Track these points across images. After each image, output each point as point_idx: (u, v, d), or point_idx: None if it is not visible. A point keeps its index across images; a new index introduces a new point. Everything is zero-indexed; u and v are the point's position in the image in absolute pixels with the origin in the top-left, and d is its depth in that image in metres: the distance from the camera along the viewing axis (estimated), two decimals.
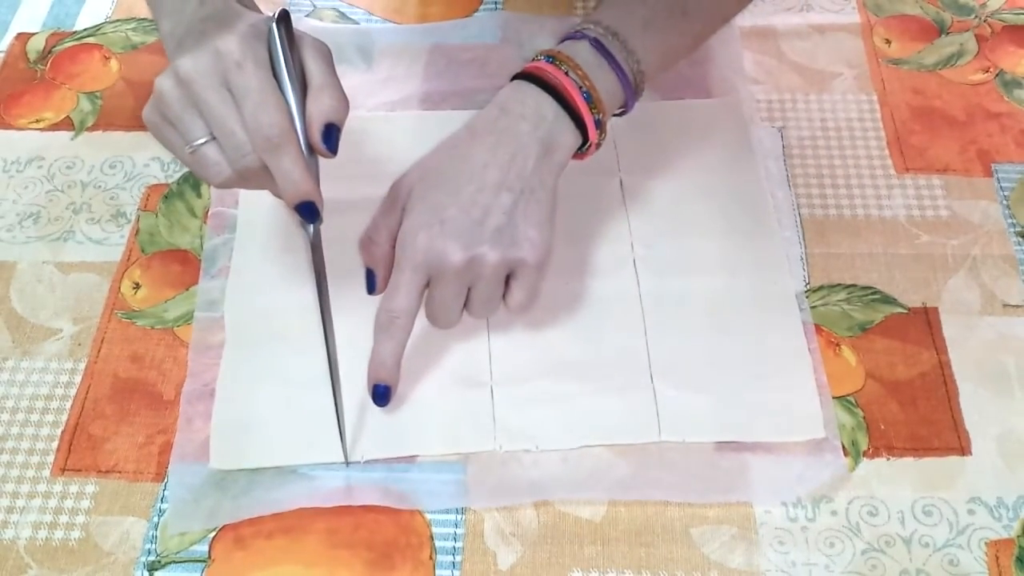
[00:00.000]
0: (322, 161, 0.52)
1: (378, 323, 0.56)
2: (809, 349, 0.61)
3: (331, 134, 0.50)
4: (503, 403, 0.59)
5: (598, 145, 0.59)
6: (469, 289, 0.55)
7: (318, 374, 0.59)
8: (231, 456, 0.58)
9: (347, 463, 0.57)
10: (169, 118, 0.49)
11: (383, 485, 0.57)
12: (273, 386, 0.60)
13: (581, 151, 0.59)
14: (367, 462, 0.57)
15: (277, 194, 0.50)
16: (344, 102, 0.51)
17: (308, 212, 0.50)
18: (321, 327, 0.54)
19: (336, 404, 0.56)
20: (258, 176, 0.49)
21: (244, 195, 0.69)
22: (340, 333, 0.55)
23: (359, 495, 0.56)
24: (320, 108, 0.49)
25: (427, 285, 0.55)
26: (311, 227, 0.52)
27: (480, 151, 0.56)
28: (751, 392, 0.59)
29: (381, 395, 0.57)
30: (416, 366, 0.60)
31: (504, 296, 0.57)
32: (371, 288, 0.57)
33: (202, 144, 0.49)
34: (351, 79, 0.75)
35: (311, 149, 0.50)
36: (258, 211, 0.68)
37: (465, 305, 0.56)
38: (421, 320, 0.62)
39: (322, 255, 0.53)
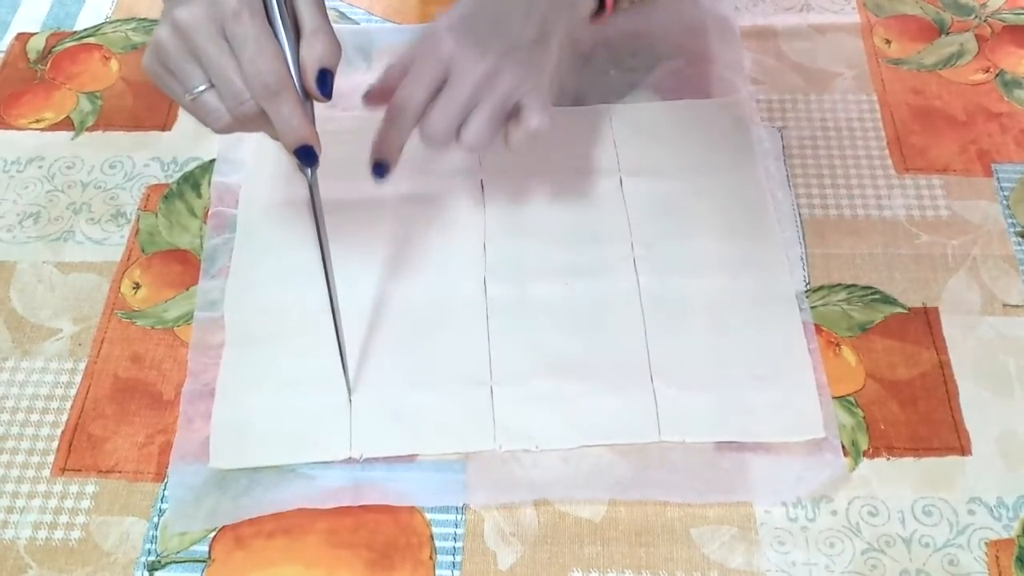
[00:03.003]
0: (322, 163, 0.53)
1: (389, 110, 0.57)
2: (809, 349, 0.61)
3: (325, 79, 0.51)
4: (503, 402, 0.59)
5: (613, 10, 0.62)
6: (471, 112, 0.56)
7: (317, 373, 0.60)
8: (231, 456, 0.58)
9: (350, 399, 0.59)
10: (169, 67, 0.50)
11: (383, 484, 0.57)
12: (273, 385, 0.60)
13: (596, 14, 0.62)
14: (366, 461, 0.57)
15: (275, 138, 0.52)
16: (337, 47, 0.52)
17: (306, 156, 0.52)
18: (322, 269, 0.55)
19: (339, 342, 0.57)
20: (256, 122, 0.51)
21: (244, 195, 0.69)
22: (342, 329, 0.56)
23: (359, 494, 0.56)
24: (314, 54, 0.51)
25: (439, 89, 0.56)
26: (309, 171, 0.53)
27: None
28: (751, 392, 0.59)
29: (381, 171, 0.58)
30: (416, 365, 0.61)
31: (507, 135, 0.58)
32: (369, 94, 0.60)
33: (202, 92, 0.50)
34: (351, 79, 0.75)
35: (306, 94, 0.51)
36: (258, 211, 0.68)
37: (461, 130, 0.56)
38: (422, 322, 0.62)
39: (320, 198, 0.54)
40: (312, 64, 0.51)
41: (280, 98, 0.49)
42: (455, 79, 0.56)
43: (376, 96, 0.59)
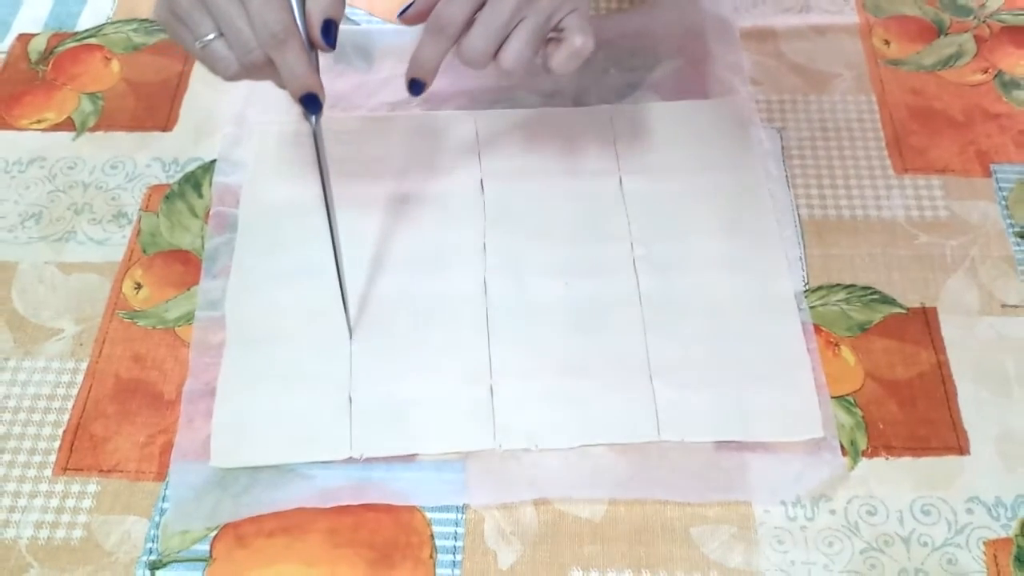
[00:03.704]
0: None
1: (428, 27, 0.56)
2: (808, 349, 0.61)
3: (330, 29, 0.53)
4: (503, 402, 0.59)
5: None
6: (510, 33, 0.55)
7: (318, 373, 0.60)
8: (232, 455, 0.58)
9: (351, 336, 0.61)
10: (179, 15, 0.52)
11: (383, 484, 0.57)
12: (274, 384, 0.60)
13: None
14: (367, 460, 0.58)
15: (282, 86, 0.53)
16: None
17: (311, 103, 0.53)
18: (325, 216, 0.57)
19: (340, 285, 0.58)
20: (264, 70, 0.52)
21: (245, 195, 0.69)
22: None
23: (359, 494, 0.56)
24: (319, 5, 0.52)
25: (479, 7, 0.55)
26: (314, 118, 0.54)
27: None
28: (750, 392, 0.59)
29: (417, 88, 0.58)
30: (416, 365, 0.61)
31: (549, 58, 0.57)
32: (405, 9, 0.58)
33: (211, 41, 0.51)
34: (351, 79, 0.75)
35: (311, 44, 0.53)
36: (259, 211, 0.68)
37: (500, 51, 0.56)
38: (422, 322, 0.62)
39: (324, 147, 0.55)
40: (317, 14, 0.52)
41: (286, 47, 0.51)
42: (494, 2, 0.55)
43: (413, 15, 0.58)
